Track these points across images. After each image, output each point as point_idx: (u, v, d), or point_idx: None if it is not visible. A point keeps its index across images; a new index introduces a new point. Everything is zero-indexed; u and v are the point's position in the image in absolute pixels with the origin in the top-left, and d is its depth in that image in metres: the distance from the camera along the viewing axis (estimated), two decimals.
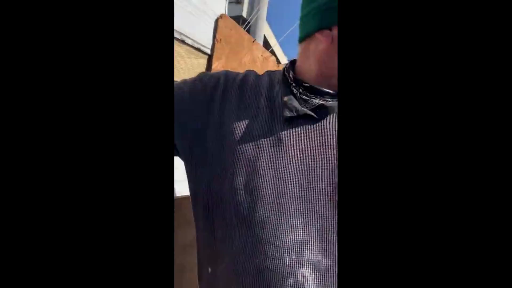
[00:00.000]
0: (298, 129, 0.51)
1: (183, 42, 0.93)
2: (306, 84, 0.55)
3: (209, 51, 1.02)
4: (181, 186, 0.90)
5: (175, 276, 0.85)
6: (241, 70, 1.16)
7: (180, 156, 0.61)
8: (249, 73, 0.62)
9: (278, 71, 0.63)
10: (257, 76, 0.61)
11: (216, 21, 1.04)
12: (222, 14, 1.06)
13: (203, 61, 1.02)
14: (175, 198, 0.85)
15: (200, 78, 0.61)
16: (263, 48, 1.34)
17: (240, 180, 0.50)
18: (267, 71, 0.64)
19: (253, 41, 1.24)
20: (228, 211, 0.50)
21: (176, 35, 0.90)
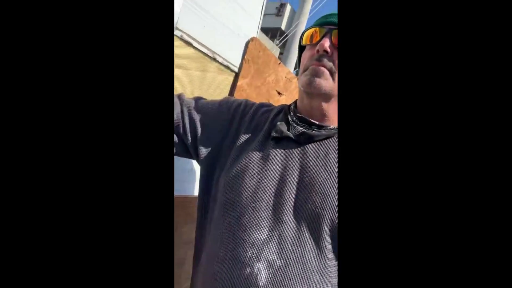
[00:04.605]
0: (283, 149, 0.62)
1: (214, 59, 1.04)
2: (299, 115, 0.64)
3: (236, 69, 1.13)
4: (191, 187, 1.00)
5: (175, 271, 0.95)
6: (265, 88, 1.25)
7: (198, 160, 0.72)
8: (262, 104, 0.76)
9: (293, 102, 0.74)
10: (268, 106, 0.75)
11: (247, 43, 1.15)
12: (253, 37, 1.16)
13: (230, 77, 1.13)
14: (186, 196, 0.95)
15: (226, 100, 0.76)
16: (288, 70, 1.42)
17: (230, 184, 0.61)
18: (282, 104, 0.76)
19: (279, 63, 1.33)
20: (217, 207, 0.61)
21: (208, 53, 1.01)
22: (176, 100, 0.71)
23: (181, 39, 0.89)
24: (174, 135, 0.69)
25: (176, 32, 0.85)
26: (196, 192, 0.95)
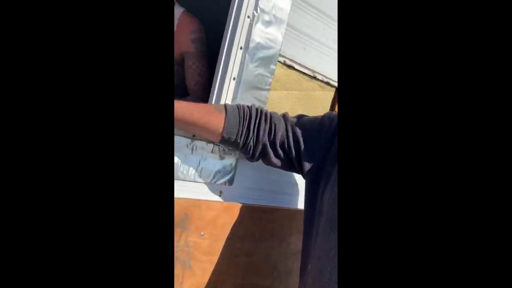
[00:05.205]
0: None
1: (314, 78, 1.09)
2: None
3: (336, 84, 1.14)
4: (296, 199, 1.05)
5: (283, 279, 1.00)
6: None
7: (302, 174, 0.77)
8: None
9: None
10: None
11: None
12: None
13: (331, 93, 1.15)
14: (292, 209, 1.01)
15: (328, 115, 0.79)
16: None
17: (335, 199, 0.61)
18: None
19: None
20: (323, 221, 0.62)
21: (309, 72, 1.07)
22: (281, 120, 0.79)
23: (284, 64, 0.98)
24: (280, 150, 0.75)
25: (279, 59, 0.95)
26: (300, 205, 1.00)
